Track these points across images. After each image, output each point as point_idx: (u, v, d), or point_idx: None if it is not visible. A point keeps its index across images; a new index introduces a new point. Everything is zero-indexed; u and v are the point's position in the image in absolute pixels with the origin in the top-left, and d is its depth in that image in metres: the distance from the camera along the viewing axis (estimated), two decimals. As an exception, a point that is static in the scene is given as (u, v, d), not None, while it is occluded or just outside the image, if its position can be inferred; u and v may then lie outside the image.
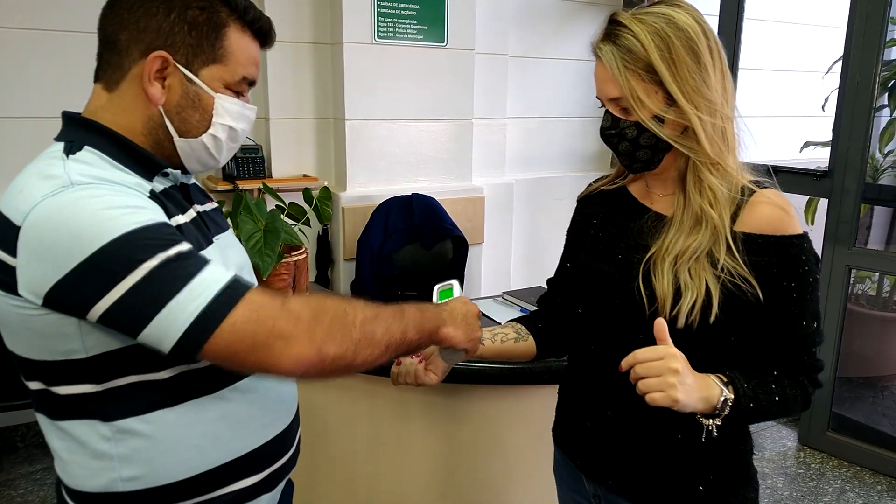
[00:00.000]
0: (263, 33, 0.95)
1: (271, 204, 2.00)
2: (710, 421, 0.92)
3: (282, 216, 1.87)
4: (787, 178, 2.77)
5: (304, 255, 1.95)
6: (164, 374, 0.86)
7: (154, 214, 0.80)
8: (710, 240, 0.97)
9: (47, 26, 2.38)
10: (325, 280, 2.89)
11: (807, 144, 3.38)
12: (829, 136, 3.25)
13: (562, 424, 1.20)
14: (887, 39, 2.54)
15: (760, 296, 0.95)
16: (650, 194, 1.10)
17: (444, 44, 2.86)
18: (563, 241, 1.24)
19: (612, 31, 0.99)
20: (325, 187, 2.07)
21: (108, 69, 0.89)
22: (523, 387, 1.60)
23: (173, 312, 0.75)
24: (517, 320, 1.26)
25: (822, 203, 3.18)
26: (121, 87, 0.89)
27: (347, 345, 0.82)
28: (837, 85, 2.60)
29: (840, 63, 2.60)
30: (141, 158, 0.89)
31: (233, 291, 0.78)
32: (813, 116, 3.43)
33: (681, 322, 0.95)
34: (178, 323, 0.75)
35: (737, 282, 0.95)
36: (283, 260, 1.86)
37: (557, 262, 1.26)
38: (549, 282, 1.28)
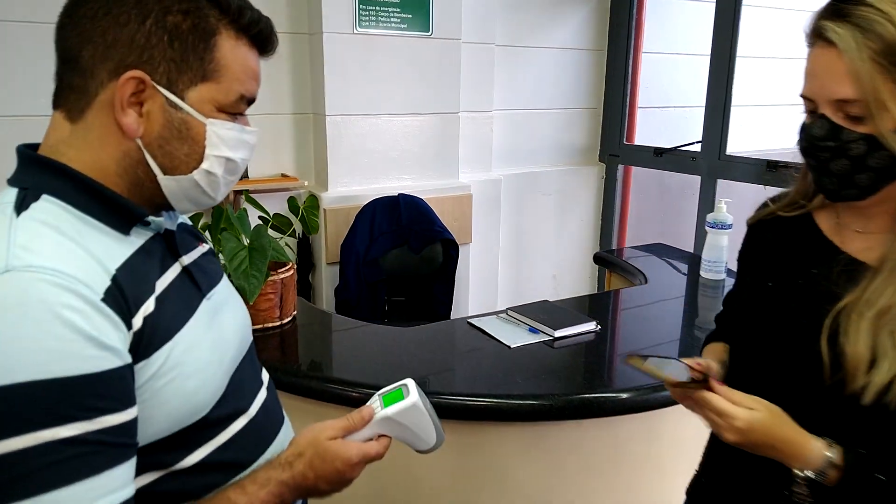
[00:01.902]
0: (263, 39, 0.78)
1: (253, 214, 1.82)
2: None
3: (266, 230, 1.70)
4: (787, 172, 2.68)
5: (291, 272, 1.78)
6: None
7: (95, 356, 0.61)
8: None
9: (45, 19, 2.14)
10: (306, 286, 2.72)
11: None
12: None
13: (700, 479, 1.07)
14: None
15: None
16: (842, 230, 0.90)
17: (430, 33, 2.69)
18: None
19: (849, 10, 0.77)
20: (312, 195, 1.91)
21: (70, 94, 0.72)
22: (543, 423, 1.47)
23: None
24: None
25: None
26: (86, 116, 0.71)
27: None
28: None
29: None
30: (115, 207, 0.72)
31: None
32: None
33: (868, 397, 0.78)
34: None
35: None
36: (269, 279, 1.70)
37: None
38: (717, 318, 1.14)
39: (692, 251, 2.86)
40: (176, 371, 0.70)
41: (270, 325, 1.75)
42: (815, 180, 0.86)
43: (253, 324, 1.69)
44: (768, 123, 3.61)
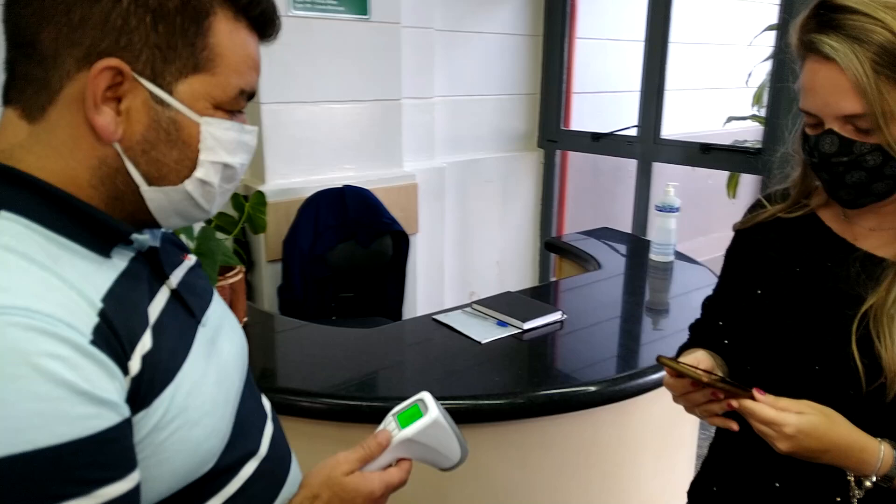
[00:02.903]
0: (265, 21, 0.65)
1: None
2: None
3: (214, 231, 1.57)
4: (720, 155, 2.77)
5: (240, 276, 1.67)
6: None
7: (88, 414, 0.49)
8: None
9: None
10: (246, 287, 2.58)
11: (730, 119, 3.43)
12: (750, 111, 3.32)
13: (710, 487, 1.02)
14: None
15: None
16: (853, 226, 0.87)
17: (368, 16, 2.58)
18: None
19: (840, 21, 0.74)
20: (259, 192, 1.78)
21: (27, 87, 0.58)
22: (522, 420, 1.43)
23: None
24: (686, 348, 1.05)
25: (746, 178, 3.26)
26: (49, 115, 0.58)
27: None
28: (764, 58, 2.60)
29: (767, 34, 2.59)
30: (92, 224, 0.59)
31: None
32: (737, 89, 3.47)
33: None
34: None
35: None
36: (217, 284, 1.58)
37: (715, 286, 1.05)
38: (703, 307, 1.07)
39: (631, 233, 2.92)
40: (180, 419, 0.59)
41: (222, 332, 1.63)
42: (828, 192, 0.84)
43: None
44: (699, 107, 3.73)
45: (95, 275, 0.57)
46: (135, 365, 0.55)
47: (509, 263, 3.51)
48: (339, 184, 2.53)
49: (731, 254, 1.01)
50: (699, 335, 1.06)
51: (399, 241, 2.56)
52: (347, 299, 2.54)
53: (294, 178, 2.53)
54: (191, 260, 0.78)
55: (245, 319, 1.71)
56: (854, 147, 0.77)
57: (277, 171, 2.49)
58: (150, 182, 0.62)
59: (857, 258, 0.84)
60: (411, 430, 0.76)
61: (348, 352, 1.60)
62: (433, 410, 0.77)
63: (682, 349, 1.06)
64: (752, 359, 0.92)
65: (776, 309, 0.89)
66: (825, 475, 0.80)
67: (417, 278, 2.94)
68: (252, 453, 0.71)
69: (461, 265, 3.29)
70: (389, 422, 0.79)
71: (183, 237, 1.46)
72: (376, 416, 1.33)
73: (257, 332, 1.74)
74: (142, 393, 0.56)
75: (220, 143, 0.63)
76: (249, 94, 0.66)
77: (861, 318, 0.79)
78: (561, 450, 1.50)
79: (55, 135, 0.58)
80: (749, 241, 0.97)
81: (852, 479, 0.78)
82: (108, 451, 0.51)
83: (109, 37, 0.57)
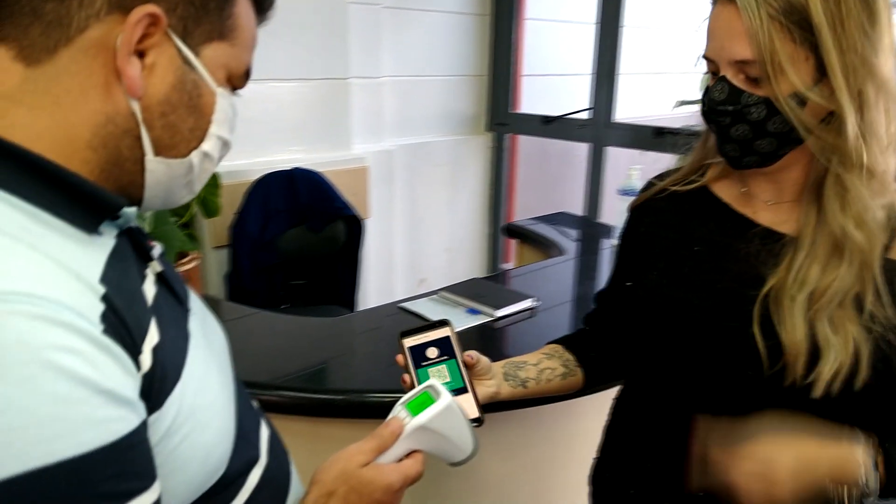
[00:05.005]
0: (267, 2, 0.63)
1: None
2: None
3: (168, 216, 1.45)
4: (672, 138, 2.79)
5: (195, 263, 1.54)
6: None
7: (111, 417, 0.43)
8: (856, 277, 0.73)
9: None
10: (190, 274, 2.42)
11: (680, 103, 3.48)
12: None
13: (607, 482, 1.00)
14: None
15: None
16: (751, 200, 0.83)
17: (315, -10, 2.45)
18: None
19: None
20: (213, 174, 1.65)
21: (34, 23, 0.49)
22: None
23: None
24: (562, 343, 1.03)
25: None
26: (59, 58, 0.50)
27: None
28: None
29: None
30: (79, 196, 0.50)
31: None
32: (688, 73, 3.52)
33: (818, 391, 0.72)
34: None
35: (891, 337, 0.72)
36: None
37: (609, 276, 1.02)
38: (598, 297, 1.05)
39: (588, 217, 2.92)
40: (192, 421, 0.52)
41: (174, 325, 1.51)
42: (717, 147, 0.81)
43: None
44: (652, 91, 3.76)
45: (85, 255, 0.49)
46: (146, 360, 0.48)
47: (460, 250, 3.46)
48: (287, 166, 2.41)
49: (625, 236, 0.98)
50: (597, 327, 1.04)
51: (352, 227, 2.46)
52: (299, 287, 2.43)
53: (240, 159, 2.38)
54: (159, 246, 0.69)
55: (198, 310, 1.59)
56: (742, 97, 0.74)
57: (221, 153, 2.34)
58: (158, 151, 0.55)
59: (757, 234, 0.81)
60: (425, 416, 0.71)
61: (309, 341, 1.51)
62: (445, 396, 0.72)
63: (573, 340, 1.03)
64: (652, 347, 0.89)
65: (673, 292, 0.85)
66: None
67: (367, 265, 2.85)
68: (255, 460, 0.64)
69: (411, 251, 3.22)
70: (399, 410, 0.73)
71: (138, 221, 1.33)
72: (345, 409, 1.27)
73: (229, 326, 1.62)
74: (154, 392, 0.49)
75: (226, 118, 0.60)
76: (248, 74, 0.63)
77: (763, 299, 0.77)
78: (543, 441, 1.47)
79: (60, 82, 0.50)
80: (642, 222, 0.94)
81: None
82: (134, 459, 0.45)
83: None
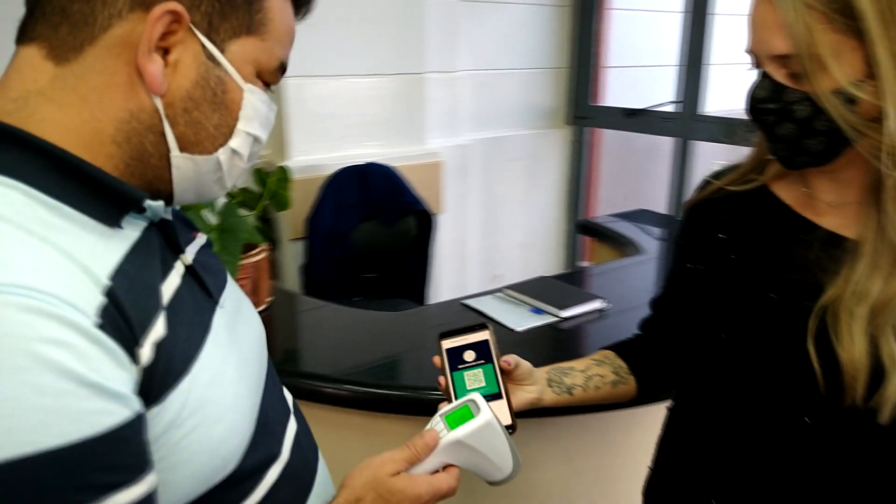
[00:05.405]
0: None
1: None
2: None
3: (237, 208, 1.48)
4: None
5: (264, 255, 1.58)
6: None
7: (97, 410, 0.43)
8: None
9: None
10: (270, 266, 2.49)
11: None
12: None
13: (659, 497, 0.95)
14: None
15: None
16: (813, 201, 0.76)
17: (391, -15, 2.46)
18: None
19: None
20: (282, 167, 1.68)
21: (63, 22, 0.51)
22: (565, 417, 1.34)
23: None
24: (614, 349, 0.98)
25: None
26: (86, 56, 0.51)
27: None
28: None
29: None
30: (102, 190, 0.52)
31: None
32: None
33: (885, 415, 0.66)
34: None
35: None
36: (241, 263, 1.49)
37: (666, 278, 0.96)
38: (654, 303, 0.99)
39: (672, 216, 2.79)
40: (200, 415, 0.52)
41: (243, 315, 1.55)
42: (768, 147, 0.75)
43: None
44: (745, 83, 3.55)
45: (104, 249, 0.50)
46: (146, 353, 0.48)
47: (535, 246, 3.39)
48: (362, 161, 2.43)
49: (680, 238, 0.91)
50: (651, 336, 0.98)
51: (423, 221, 2.46)
52: (371, 280, 2.45)
53: (317, 154, 2.43)
54: (202, 238, 0.70)
55: (269, 299, 1.63)
56: (784, 94, 0.68)
57: (300, 147, 2.39)
58: (183, 147, 0.56)
59: (818, 239, 0.73)
60: (461, 431, 0.68)
61: (373, 335, 1.52)
62: (486, 411, 0.70)
63: (625, 346, 0.98)
64: (700, 358, 0.84)
65: (722, 300, 0.79)
66: (764, 494, 0.73)
67: (441, 260, 2.84)
68: (275, 456, 0.64)
69: (486, 247, 3.18)
70: (437, 422, 0.71)
71: (206, 212, 1.37)
72: (401, 406, 1.27)
73: (280, 313, 1.66)
74: (155, 386, 0.49)
75: (256, 115, 0.59)
76: (284, 70, 0.62)
77: (819, 311, 0.70)
78: (606, 449, 1.41)
79: (86, 80, 0.52)
80: (697, 222, 0.87)
81: None
82: (120, 452, 0.44)
83: None
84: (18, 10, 0.55)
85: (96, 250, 0.49)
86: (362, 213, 2.37)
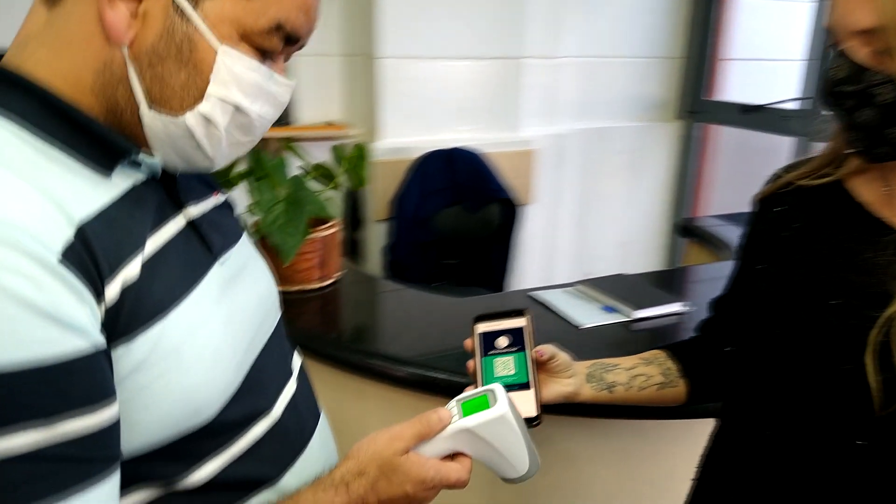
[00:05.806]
0: None
1: (293, 164, 1.62)
2: None
3: (307, 182, 1.49)
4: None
5: (334, 230, 1.58)
6: None
7: (51, 338, 0.44)
8: None
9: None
10: (352, 244, 2.53)
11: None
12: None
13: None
14: None
15: None
16: (892, 200, 0.69)
17: (493, -34, 2.40)
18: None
19: None
20: (360, 145, 1.68)
21: None
22: (619, 420, 1.24)
23: None
24: (668, 349, 0.91)
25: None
26: (65, 2, 0.52)
27: None
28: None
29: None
30: (92, 136, 0.53)
31: None
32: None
33: None
34: None
35: None
36: (309, 236, 1.50)
37: (730, 277, 0.88)
38: (715, 303, 0.91)
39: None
40: (170, 361, 0.53)
41: (309, 287, 1.56)
42: (845, 137, 0.68)
43: (290, 285, 1.53)
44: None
45: (89, 192, 0.51)
46: (112, 292, 0.49)
47: (634, 246, 3.23)
48: (452, 145, 2.40)
49: (745, 235, 0.83)
50: (710, 339, 0.90)
51: (508, 210, 2.39)
52: (452, 266, 2.43)
53: (407, 137, 2.43)
54: (220, 198, 0.71)
55: (337, 275, 1.64)
56: (864, 75, 0.61)
57: (390, 129, 2.40)
58: (151, 103, 0.54)
59: (892, 242, 0.66)
60: (472, 420, 0.64)
61: (436, 320, 1.48)
62: (502, 404, 0.65)
63: (680, 347, 0.92)
64: (753, 369, 0.77)
65: (778, 304, 0.72)
66: None
67: (528, 252, 2.76)
68: (262, 411, 0.64)
69: (578, 243, 3.06)
70: (452, 406, 0.67)
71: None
72: (453, 391, 1.23)
73: (350, 291, 1.66)
74: (121, 324, 0.50)
75: (235, 81, 0.55)
76: (290, 37, 0.57)
77: (885, 323, 0.63)
78: (664, 458, 1.30)
79: (67, 26, 0.53)
80: (763, 218, 0.80)
81: None
82: (75, 380, 0.46)
83: None
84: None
85: (80, 193, 0.50)
86: (447, 197, 2.35)
